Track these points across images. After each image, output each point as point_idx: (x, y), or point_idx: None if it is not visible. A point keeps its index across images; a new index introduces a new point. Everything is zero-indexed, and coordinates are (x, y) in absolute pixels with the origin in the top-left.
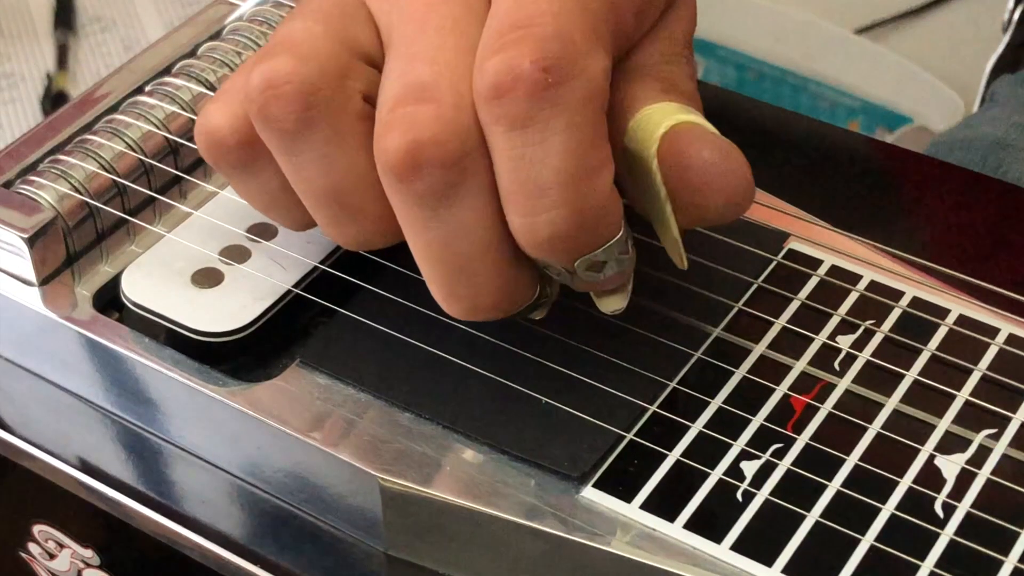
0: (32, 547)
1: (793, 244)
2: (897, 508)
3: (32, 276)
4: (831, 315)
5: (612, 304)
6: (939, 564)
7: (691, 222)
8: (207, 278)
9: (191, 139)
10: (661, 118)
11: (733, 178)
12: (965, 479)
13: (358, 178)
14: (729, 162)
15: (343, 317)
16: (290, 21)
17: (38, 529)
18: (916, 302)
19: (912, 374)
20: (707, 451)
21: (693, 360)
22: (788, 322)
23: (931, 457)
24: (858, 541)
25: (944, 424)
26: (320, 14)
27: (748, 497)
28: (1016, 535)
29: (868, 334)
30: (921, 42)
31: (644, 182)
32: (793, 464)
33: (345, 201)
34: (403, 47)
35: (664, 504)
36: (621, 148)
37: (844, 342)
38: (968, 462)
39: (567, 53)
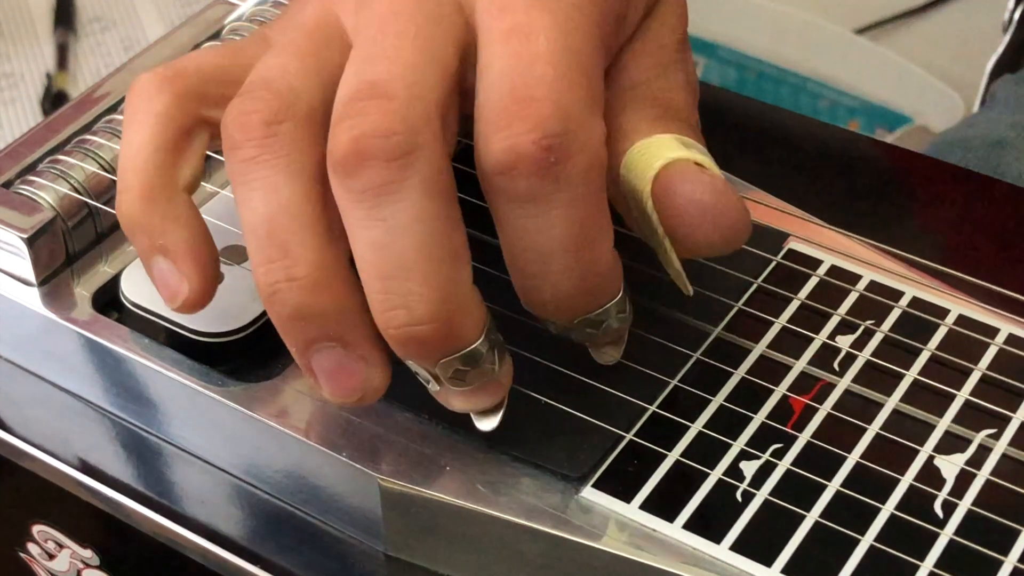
0: (32, 547)
1: (793, 244)
2: (897, 508)
3: (32, 276)
4: (831, 315)
5: (607, 355)
6: (939, 564)
7: (689, 255)
8: None
9: None
10: (654, 155)
11: (727, 217)
12: (965, 479)
13: (296, 212)
14: (722, 201)
15: None
16: (268, 57)
17: (38, 529)
18: (916, 302)
19: (912, 374)
20: (706, 451)
21: (693, 360)
22: (788, 322)
23: (931, 457)
24: (858, 541)
25: (944, 424)
26: (296, 48)
27: (747, 497)
28: (1016, 535)
29: (868, 334)
30: (921, 42)
31: (642, 215)
32: (792, 464)
33: (276, 234)
34: (362, 49)
35: (663, 504)
36: (618, 177)
37: (844, 342)
38: (968, 462)
39: (568, 129)
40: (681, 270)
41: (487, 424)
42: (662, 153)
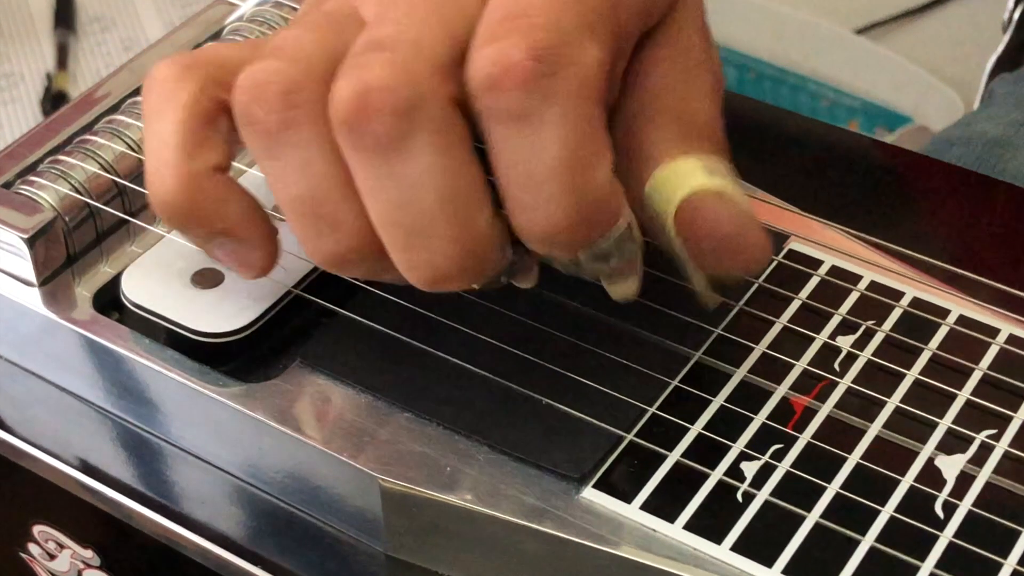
0: (32, 547)
1: (793, 244)
2: (897, 509)
3: (32, 276)
4: (831, 315)
5: (622, 290)
6: (939, 565)
7: (712, 276)
8: (207, 278)
9: None
10: (677, 184)
11: (746, 246)
12: (965, 479)
13: (336, 184)
14: (742, 231)
15: (343, 317)
16: (281, 31)
17: (38, 529)
18: (916, 302)
19: (912, 374)
20: (707, 452)
21: (693, 360)
22: (788, 322)
23: (931, 457)
24: (858, 542)
25: (944, 424)
26: (311, 23)
27: (748, 498)
28: (1016, 536)
29: (868, 334)
30: (921, 42)
31: (666, 238)
32: (793, 465)
33: (322, 209)
34: (374, 18)
35: (664, 505)
36: (644, 197)
37: (844, 342)
38: (968, 462)
39: (559, 42)
40: (707, 289)
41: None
42: (685, 182)
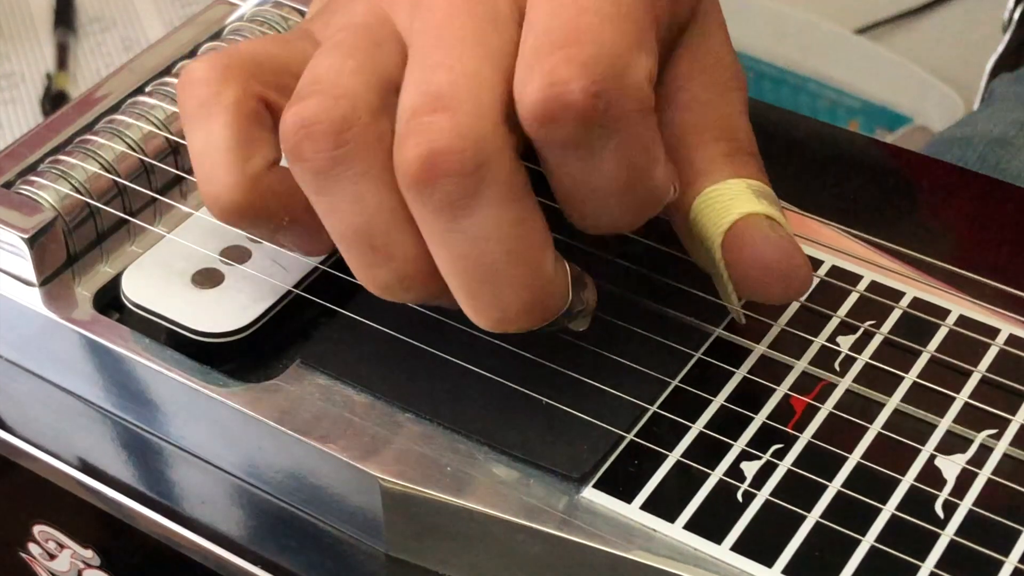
0: (32, 547)
1: None
2: (897, 508)
3: (32, 276)
4: (831, 315)
5: (581, 325)
6: (939, 564)
7: (750, 299)
8: (207, 278)
9: None
10: (727, 207)
11: (791, 275)
12: (966, 479)
13: (389, 217)
14: (788, 260)
15: (343, 317)
16: (320, 57)
17: (38, 529)
18: (916, 303)
19: (912, 375)
20: (707, 451)
21: (694, 360)
22: (788, 322)
23: (931, 457)
24: (858, 541)
25: (945, 424)
26: (348, 47)
27: (748, 497)
28: (1017, 535)
29: (868, 334)
30: (921, 42)
31: (709, 257)
32: (793, 464)
33: (375, 241)
34: (421, 57)
35: (664, 504)
36: (685, 214)
37: (845, 342)
38: (969, 462)
39: (613, 71)
40: (738, 305)
41: (581, 326)
42: (734, 206)
